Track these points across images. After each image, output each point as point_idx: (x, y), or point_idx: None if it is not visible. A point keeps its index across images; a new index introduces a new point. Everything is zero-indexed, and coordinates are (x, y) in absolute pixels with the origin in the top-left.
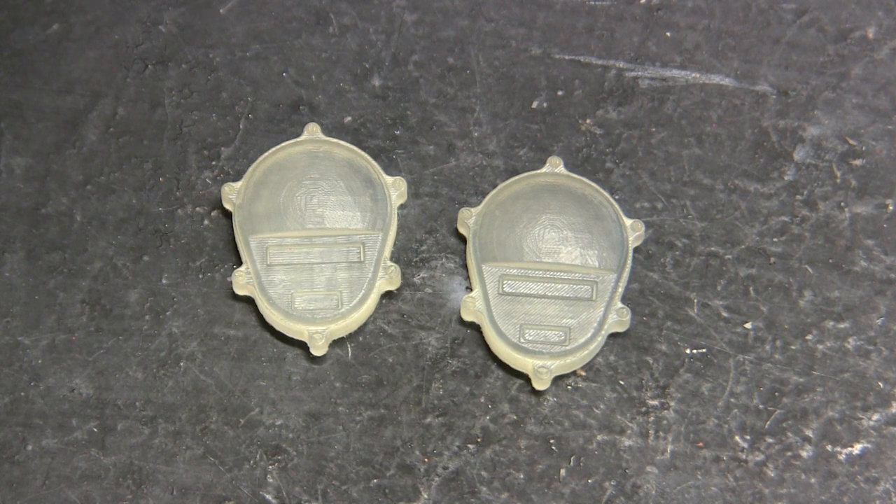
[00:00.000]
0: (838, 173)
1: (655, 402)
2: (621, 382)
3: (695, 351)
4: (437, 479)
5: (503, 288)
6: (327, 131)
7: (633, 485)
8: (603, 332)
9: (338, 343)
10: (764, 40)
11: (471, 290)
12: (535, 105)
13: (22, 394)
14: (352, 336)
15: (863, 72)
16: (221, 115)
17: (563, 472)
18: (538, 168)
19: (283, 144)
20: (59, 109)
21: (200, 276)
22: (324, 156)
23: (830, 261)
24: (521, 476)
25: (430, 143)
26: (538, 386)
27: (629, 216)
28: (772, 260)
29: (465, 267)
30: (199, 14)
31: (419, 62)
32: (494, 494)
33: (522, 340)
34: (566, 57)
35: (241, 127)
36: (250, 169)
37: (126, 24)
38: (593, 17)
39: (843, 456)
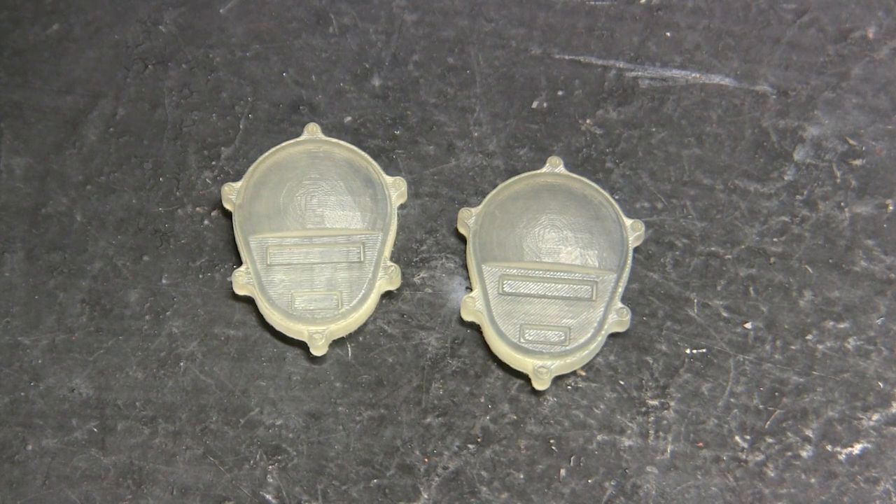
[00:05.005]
0: (838, 173)
1: (655, 402)
2: (621, 382)
3: (695, 351)
4: (437, 479)
5: (503, 288)
6: (327, 131)
7: (633, 485)
8: (603, 332)
9: (338, 343)
10: (764, 40)
11: (471, 290)
12: (535, 105)
13: (22, 394)
14: (352, 336)
15: (863, 72)
16: (221, 115)
17: (563, 472)
18: (538, 168)
19: (283, 144)
20: (59, 109)
21: (200, 276)
22: (324, 156)
23: (830, 261)
24: (521, 476)
25: (430, 143)
26: (538, 386)
27: (629, 216)
28: (772, 260)
29: (465, 267)
30: (199, 14)
31: (419, 62)
32: (494, 494)
33: (522, 340)
34: (566, 57)
35: (241, 127)
36: (250, 169)
37: (126, 24)
38: (593, 17)
39: (843, 456)
